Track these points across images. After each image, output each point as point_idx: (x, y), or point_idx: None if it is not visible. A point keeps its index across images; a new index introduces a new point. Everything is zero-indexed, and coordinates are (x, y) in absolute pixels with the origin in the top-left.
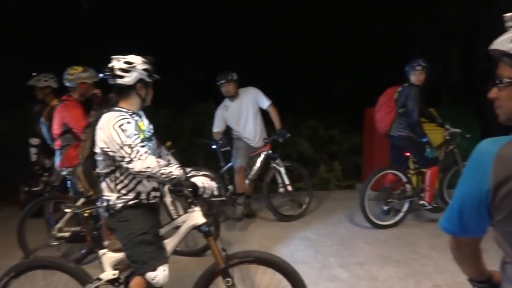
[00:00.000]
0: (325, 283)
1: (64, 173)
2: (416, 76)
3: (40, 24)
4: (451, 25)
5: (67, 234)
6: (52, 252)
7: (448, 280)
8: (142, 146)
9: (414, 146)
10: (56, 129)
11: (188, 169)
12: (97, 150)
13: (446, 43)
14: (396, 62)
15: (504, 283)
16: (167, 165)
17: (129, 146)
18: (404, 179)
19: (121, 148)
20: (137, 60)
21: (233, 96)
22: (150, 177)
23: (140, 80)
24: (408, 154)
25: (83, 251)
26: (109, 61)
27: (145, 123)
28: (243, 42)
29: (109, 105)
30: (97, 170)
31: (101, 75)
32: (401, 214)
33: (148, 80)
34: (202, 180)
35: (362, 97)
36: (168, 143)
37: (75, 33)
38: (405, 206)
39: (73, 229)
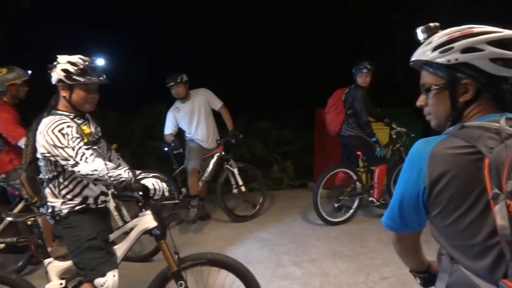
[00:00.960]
0: (279, 281)
1: None
2: (362, 78)
3: None
4: (394, 29)
5: (1, 246)
6: None
7: (395, 272)
8: (87, 149)
9: (364, 145)
10: None
11: (137, 172)
12: (39, 155)
13: (391, 46)
14: (345, 63)
15: (440, 272)
16: (115, 168)
17: (72, 149)
18: (354, 177)
19: (64, 151)
20: (62, 60)
21: (184, 98)
22: (97, 180)
23: (61, 81)
24: (359, 153)
25: (21, 261)
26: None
27: (91, 127)
28: (194, 42)
29: (49, 106)
30: (40, 176)
31: (29, 72)
32: (351, 211)
33: (68, 82)
34: (152, 182)
35: (313, 97)
36: (114, 146)
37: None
38: (356, 203)
39: (8, 239)
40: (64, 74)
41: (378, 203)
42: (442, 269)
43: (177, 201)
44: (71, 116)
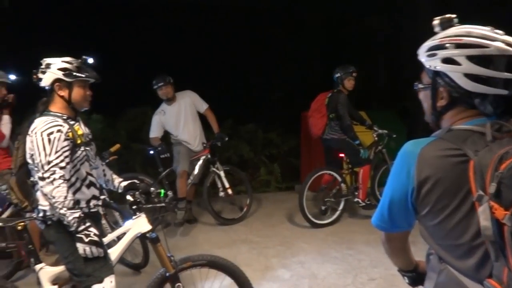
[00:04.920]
0: (268, 284)
1: None
2: (350, 82)
3: None
4: (374, 34)
5: None
6: None
7: (382, 273)
8: (62, 168)
9: (347, 147)
10: None
11: (82, 227)
12: (27, 157)
13: (372, 51)
14: (327, 67)
15: (429, 272)
16: (72, 208)
17: (48, 162)
18: (339, 178)
19: (42, 157)
20: (55, 61)
21: (171, 100)
22: (52, 204)
23: (58, 80)
24: (342, 155)
25: (9, 268)
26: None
27: (82, 128)
28: (179, 45)
29: (39, 111)
30: (31, 179)
31: (13, 77)
32: (337, 213)
33: (68, 79)
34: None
35: (299, 100)
36: (117, 146)
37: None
38: (341, 205)
39: None
40: (63, 72)
41: (364, 204)
42: (430, 269)
43: (163, 204)
44: (64, 117)
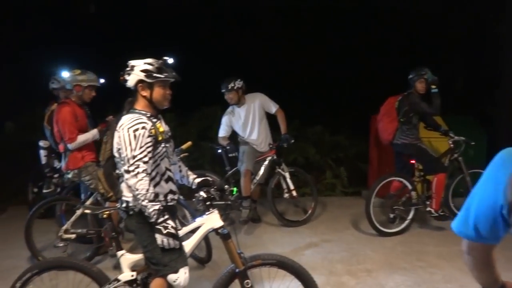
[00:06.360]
0: None
1: (69, 175)
2: (422, 85)
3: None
4: (456, 33)
5: (73, 236)
6: (58, 253)
7: None
8: (145, 162)
9: (419, 153)
10: (56, 131)
11: (161, 219)
12: (114, 151)
13: (451, 51)
14: (401, 69)
15: None
16: (154, 198)
17: (133, 157)
18: (410, 186)
19: (128, 152)
20: (138, 63)
21: (238, 103)
22: (135, 196)
23: (141, 81)
24: (413, 161)
25: (88, 253)
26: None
27: (163, 125)
28: (251, 47)
29: (126, 109)
30: (117, 172)
31: (102, 80)
32: (407, 222)
33: (149, 80)
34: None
35: (369, 103)
36: (189, 144)
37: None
38: (411, 214)
39: (79, 230)
40: (144, 74)
41: (437, 215)
42: None
43: (229, 202)
44: (148, 115)
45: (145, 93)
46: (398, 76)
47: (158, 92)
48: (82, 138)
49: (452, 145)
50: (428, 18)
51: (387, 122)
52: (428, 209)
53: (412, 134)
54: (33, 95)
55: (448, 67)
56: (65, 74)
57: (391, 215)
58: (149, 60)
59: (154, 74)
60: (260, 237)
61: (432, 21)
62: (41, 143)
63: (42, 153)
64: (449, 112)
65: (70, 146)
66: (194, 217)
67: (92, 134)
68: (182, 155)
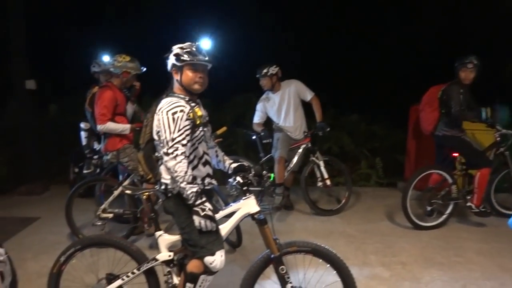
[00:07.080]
0: (366, 280)
1: (108, 157)
2: (465, 74)
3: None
4: (508, 20)
5: (110, 215)
6: (96, 231)
7: (496, 287)
8: (183, 145)
9: (462, 146)
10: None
11: (198, 201)
12: (154, 134)
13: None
14: (446, 58)
15: None
16: (192, 180)
17: (172, 139)
18: (450, 180)
19: (166, 135)
20: (174, 48)
21: (272, 89)
22: (174, 177)
23: (173, 65)
24: (456, 154)
25: (124, 232)
26: None
27: (201, 110)
28: (289, 35)
29: (165, 93)
30: (156, 154)
31: (144, 69)
32: (444, 216)
33: (178, 63)
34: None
35: (409, 93)
36: (224, 129)
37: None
38: (449, 208)
39: (116, 210)
40: (175, 58)
41: (477, 210)
42: None
43: (262, 188)
44: (186, 99)
45: (177, 76)
46: (444, 65)
47: (186, 76)
48: (112, 125)
49: (498, 138)
50: (474, 4)
51: (428, 112)
52: (469, 204)
53: (455, 126)
54: (77, 79)
55: (496, 54)
56: (106, 58)
57: (429, 208)
58: (182, 45)
59: (182, 57)
60: (292, 224)
61: (479, 7)
62: (82, 125)
63: (83, 134)
64: (496, 103)
65: (99, 127)
66: (226, 203)
67: (124, 127)
68: (216, 140)
